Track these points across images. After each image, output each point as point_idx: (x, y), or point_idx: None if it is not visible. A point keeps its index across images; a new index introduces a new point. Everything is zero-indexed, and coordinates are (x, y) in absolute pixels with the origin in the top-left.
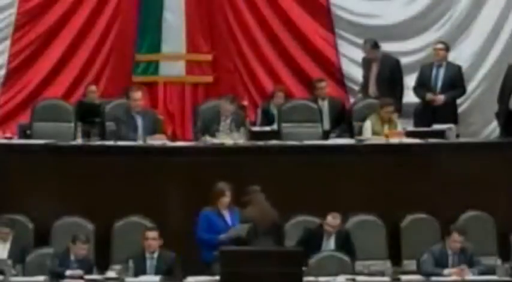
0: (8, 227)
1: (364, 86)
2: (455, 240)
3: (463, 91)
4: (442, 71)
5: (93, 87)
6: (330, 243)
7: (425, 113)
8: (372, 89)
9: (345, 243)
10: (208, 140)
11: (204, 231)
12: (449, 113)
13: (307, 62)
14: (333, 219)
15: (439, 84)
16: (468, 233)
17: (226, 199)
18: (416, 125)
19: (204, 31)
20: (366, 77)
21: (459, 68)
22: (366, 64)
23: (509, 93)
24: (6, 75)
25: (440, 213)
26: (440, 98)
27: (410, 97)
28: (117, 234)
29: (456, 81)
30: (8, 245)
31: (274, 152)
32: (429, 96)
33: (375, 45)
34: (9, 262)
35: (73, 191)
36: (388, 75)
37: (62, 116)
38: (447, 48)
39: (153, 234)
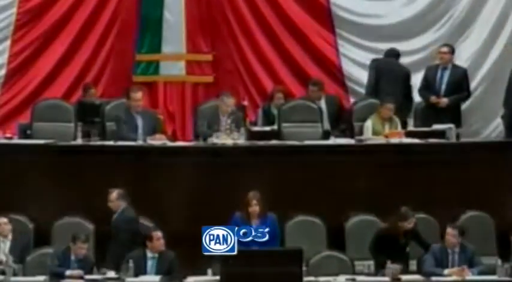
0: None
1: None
2: (449, 234)
3: (467, 95)
4: (447, 74)
5: (92, 91)
6: None
7: (428, 114)
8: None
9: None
10: (209, 140)
11: None
12: (452, 115)
13: (307, 62)
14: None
15: (443, 86)
16: (468, 233)
17: (253, 208)
18: (416, 125)
19: (204, 31)
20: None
21: (464, 71)
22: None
23: None
24: (6, 75)
25: (440, 213)
26: (444, 100)
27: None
28: None
29: (461, 85)
30: (8, 245)
31: (274, 152)
32: (433, 98)
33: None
34: (10, 261)
35: (73, 191)
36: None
37: (62, 116)
38: (452, 51)
39: (158, 235)
